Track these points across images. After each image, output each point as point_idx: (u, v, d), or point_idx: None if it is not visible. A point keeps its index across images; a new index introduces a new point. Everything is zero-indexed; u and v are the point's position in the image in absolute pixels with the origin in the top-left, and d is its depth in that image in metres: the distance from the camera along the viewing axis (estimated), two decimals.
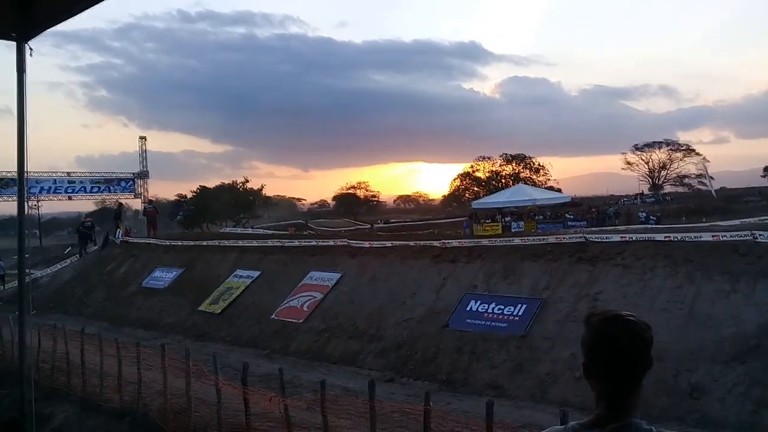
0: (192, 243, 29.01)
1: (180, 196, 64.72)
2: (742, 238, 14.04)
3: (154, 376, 13.71)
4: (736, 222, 20.52)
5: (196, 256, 26.83)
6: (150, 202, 41.31)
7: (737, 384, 11.18)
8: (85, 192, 42.14)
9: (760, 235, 13.74)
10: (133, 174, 42.92)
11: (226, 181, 61.23)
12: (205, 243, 28.32)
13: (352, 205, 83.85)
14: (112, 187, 42.62)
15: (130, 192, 43.13)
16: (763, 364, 11.11)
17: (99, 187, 42.50)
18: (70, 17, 4.86)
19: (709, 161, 73.48)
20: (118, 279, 28.67)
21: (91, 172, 43.24)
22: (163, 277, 26.45)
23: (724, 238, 14.24)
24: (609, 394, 1.83)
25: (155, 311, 24.21)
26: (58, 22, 5.00)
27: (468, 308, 16.14)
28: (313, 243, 23.90)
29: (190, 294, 23.94)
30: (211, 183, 64.64)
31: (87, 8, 4.59)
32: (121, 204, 40.49)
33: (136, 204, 46.56)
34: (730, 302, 12.61)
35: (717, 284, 13.11)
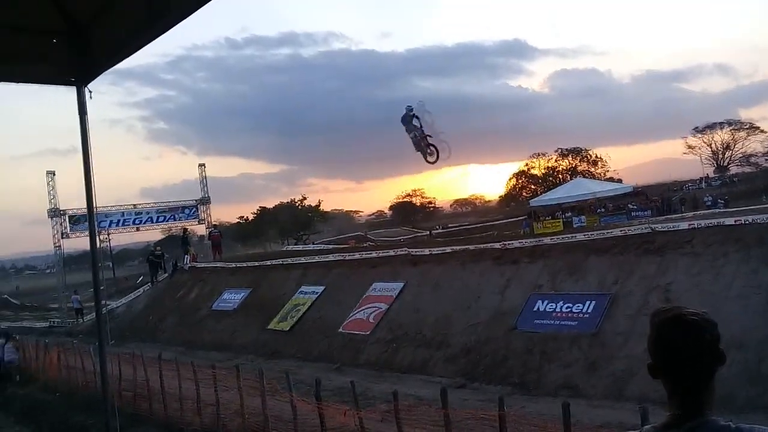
0: (257, 264, 29.61)
1: (241, 217, 66.33)
2: None
3: (231, 397, 14.00)
4: None
5: (262, 276, 27.38)
6: (215, 226, 42.41)
7: None
8: (152, 222, 43.56)
9: None
10: (196, 201, 44.15)
11: (284, 200, 62.41)
12: (269, 262, 28.87)
13: (409, 213, 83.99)
14: (176, 215, 43.91)
15: (194, 218, 44.36)
16: None
17: (164, 216, 43.85)
18: (124, 59, 5.11)
19: None
20: (189, 304, 29.51)
21: (156, 203, 44.73)
22: (231, 299, 27.09)
23: None
24: (679, 393, 1.82)
25: (227, 333, 24.81)
26: (114, 64, 5.26)
27: (535, 308, 15.93)
28: (374, 254, 24.06)
29: (258, 313, 24.44)
30: (270, 203, 66.25)
31: (139, 49, 4.82)
32: (185, 230, 41.72)
33: (201, 230, 47.85)
34: None
35: None
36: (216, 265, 32.64)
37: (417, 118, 18.91)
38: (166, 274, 34.72)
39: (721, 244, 14.19)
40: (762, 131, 70.67)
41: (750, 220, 14.34)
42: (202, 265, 33.90)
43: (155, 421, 15.91)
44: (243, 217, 66.09)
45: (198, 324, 26.97)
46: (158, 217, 43.42)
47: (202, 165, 45.30)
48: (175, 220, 44.25)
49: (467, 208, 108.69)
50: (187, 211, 43.76)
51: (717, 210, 26.53)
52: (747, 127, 71.76)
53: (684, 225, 15.72)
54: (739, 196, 42.87)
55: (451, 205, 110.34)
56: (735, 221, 14.66)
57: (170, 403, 15.82)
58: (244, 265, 30.33)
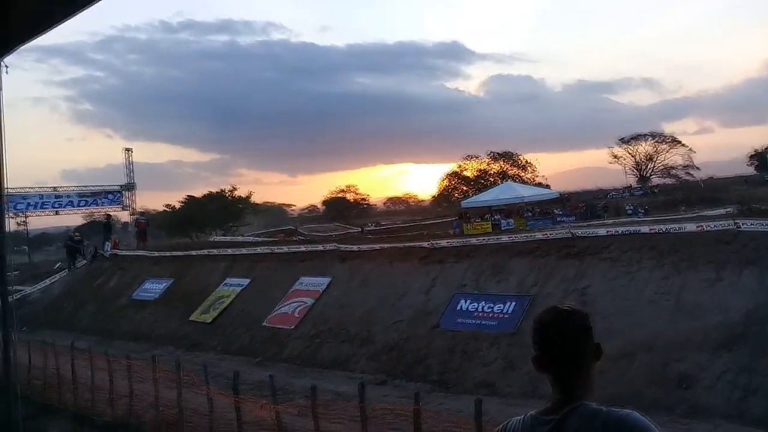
0: (181, 253, 28.92)
1: (167, 206, 64.48)
2: (725, 228, 14.17)
3: (146, 389, 13.66)
4: (721, 211, 20.68)
5: (186, 267, 26.74)
6: (142, 214, 41.14)
7: (725, 372, 11.28)
8: (73, 206, 41.90)
9: (743, 223, 13.87)
10: (120, 186, 42.73)
11: (214, 190, 60.92)
12: (194, 253, 28.23)
13: (342, 209, 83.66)
14: (99, 200, 42.39)
15: (118, 204, 42.93)
16: (750, 351, 11.22)
17: (86, 201, 42.26)
18: (45, 32, 4.85)
19: (695, 151, 73.86)
20: (108, 292, 28.51)
21: (77, 186, 43.05)
22: (153, 288, 26.34)
23: (708, 228, 14.36)
24: (558, 381, 1.95)
25: (146, 323, 24.11)
26: (33, 37, 4.99)
27: (458, 308, 16.20)
28: (303, 248, 23.89)
29: (180, 304, 23.86)
30: (199, 192, 64.14)
31: (61, 21, 4.59)
32: (108, 216, 40.31)
33: (125, 216, 46.37)
34: (715, 291, 12.73)
35: (702, 274, 13.23)
36: (138, 253, 31.66)
37: None
38: (85, 261, 33.43)
39: (637, 251, 14.81)
40: (683, 145, 73.97)
41: (664, 229, 15.03)
42: (124, 252, 32.82)
43: (65, 411, 15.36)
44: (170, 205, 64.16)
45: (117, 313, 26.08)
46: (80, 201, 41.84)
47: (128, 149, 43.96)
48: (97, 205, 42.72)
49: (400, 206, 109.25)
50: (110, 196, 42.33)
51: (636, 218, 27.62)
52: (669, 140, 74.88)
53: (603, 231, 16.33)
54: (659, 207, 44.72)
55: (384, 203, 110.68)
56: (650, 230, 15.32)
57: (82, 394, 15.31)
58: (168, 254, 29.56)
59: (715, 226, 14.45)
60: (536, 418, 1.97)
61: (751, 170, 72.72)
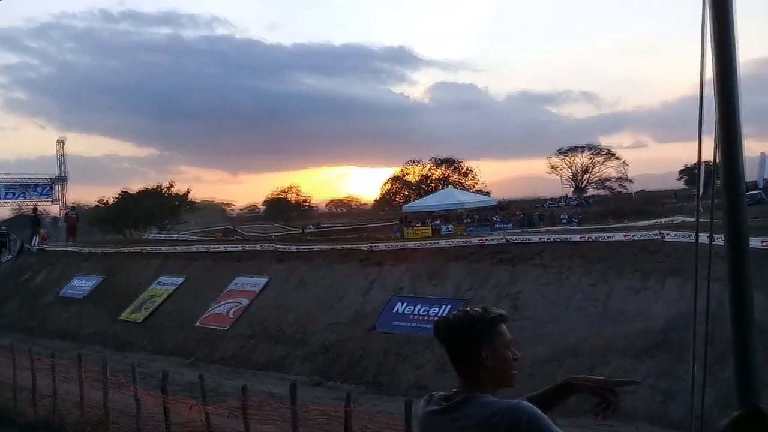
0: (113, 250, 28.08)
1: (101, 200, 62.48)
2: (651, 238, 14.78)
3: (71, 388, 13.20)
4: (649, 222, 21.54)
5: (118, 264, 25.99)
6: (72, 208, 39.77)
7: (647, 376, 11.74)
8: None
9: (668, 234, 14.49)
10: (51, 178, 41.22)
11: (150, 186, 59.33)
12: (126, 249, 27.48)
13: (283, 209, 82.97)
14: (28, 193, 40.78)
15: (48, 197, 41.43)
16: (670, 357, 11.71)
17: (14, 193, 40.58)
18: None
19: (629, 164, 76.57)
20: (34, 288, 27.41)
21: (5, 177, 41.21)
22: (82, 285, 25.48)
23: (635, 238, 14.95)
24: (458, 374, 2.13)
25: (73, 321, 23.30)
26: None
27: (394, 310, 16.32)
28: (240, 248, 23.59)
29: (110, 303, 23.17)
30: (135, 187, 62.39)
31: None
32: (35, 209, 38.77)
33: (55, 210, 44.73)
34: (640, 299, 13.25)
35: (628, 282, 13.75)
36: (68, 248, 30.57)
37: None
38: (11, 255, 32.04)
39: (567, 258, 15.27)
40: (617, 158, 76.61)
41: (594, 238, 15.54)
42: (53, 247, 31.63)
43: None
44: (103, 200, 62.16)
45: (43, 310, 25.11)
46: (7, 193, 40.18)
47: (60, 141, 42.53)
48: (26, 197, 41.13)
49: (342, 209, 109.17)
50: (40, 189, 40.80)
51: (569, 227, 28.46)
52: (605, 152, 77.35)
53: (536, 238, 16.77)
54: (593, 217, 46.14)
55: (326, 205, 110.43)
56: (580, 237, 15.83)
57: (2, 393, 14.66)
58: (99, 250, 28.63)
59: (642, 236, 15.04)
60: (435, 399, 2.15)
61: (681, 184, 75.94)
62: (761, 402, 1.73)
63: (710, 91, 1.78)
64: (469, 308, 2.16)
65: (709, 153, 1.83)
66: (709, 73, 1.76)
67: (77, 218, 36.58)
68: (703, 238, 2.11)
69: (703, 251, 2.08)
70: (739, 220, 1.75)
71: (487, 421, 1.94)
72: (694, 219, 2.53)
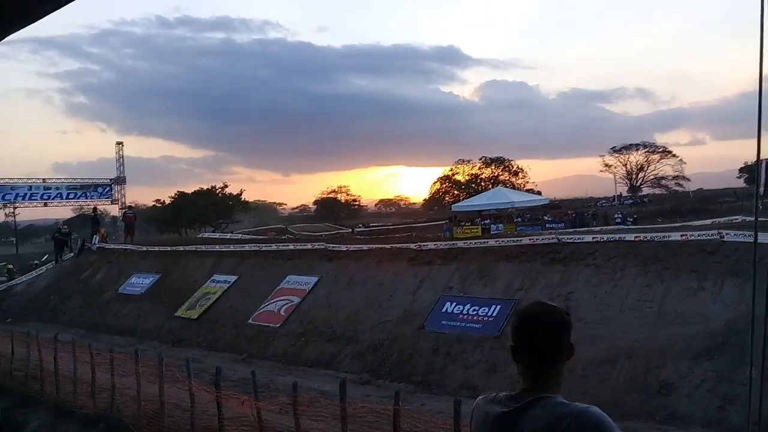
0: (169, 248, 28.84)
1: (158, 201, 64.28)
2: (709, 238, 14.32)
3: (129, 383, 13.61)
4: (707, 222, 20.86)
5: (173, 262, 26.68)
6: (129, 207, 40.98)
7: (704, 380, 11.39)
8: (62, 198, 41.62)
9: (726, 234, 14.01)
10: (110, 180, 42.53)
11: (205, 186, 60.73)
12: (182, 248, 28.17)
13: (333, 209, 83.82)
14: (88, 194, 42.14)
15: (108, 198, 42.73)
16: (729, 360, 11.32)
17: (75, 194, 41.99)
18: (35, 21, 4.86)
19: (686, 163, 74.34)
20: (94, 286, 28.40)
21: (67, 178, 42.80)
22: (139, 283, 26.27)
23: (692, 238, 14.51)
24: (528, 372, 2.06)
25: (132, 318, 24.04)
26: (22, 27, 5.00)
27: (443, 310, 16.26)
28: (291, 247, 23.90)
29: (167, 300, 23.81)
30: (191, 188, 64.22)
31: (52, 11, 4.60)
32: (95, 209, 40.10)
33: (114, 210, 46.10)
34: (697, 300, 12.85)
35: (685, 282, 13.36)
36: (126, 247, 31.56)
37: None
38: (72, 254, 33.27)
39: (621, 258, 14.93)
40: (674, 156, 74.51)
41: (649, 237, 15.15)
42: (112, 246, 32.72)
43: (46, 403, 15.31)
44: (160, 200, 63.96)
45: (102, 307, 26.00)
46: (69, 194, 41.56)
47: (120, 143, 43.77)
48: (87, 198, 42.47)
49: (392, 208, 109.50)
50: (100, 189, 42.11)
51: (623, 226, 27.81)
52: (661, 150, 75.36)
53: (588, 238, 16.44)
54: (648, 216, 44.99)
55: (376, 205, 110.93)
56: (635, 237, 15.45)
57: (64, 386, 15.23)
58: (156, 249, 29.46)
59: (699, 235, 14.59)
60: (499, 400, 2.08)
61: (741, 183, 73.28)
62: None
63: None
64: (544, 300, 2.14)
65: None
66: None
67: (135, 217, 37.71)
68: (764, 237, 2.04)
69: (763, 251, 2.01)
70: None
71: (556, 424, 1.91)
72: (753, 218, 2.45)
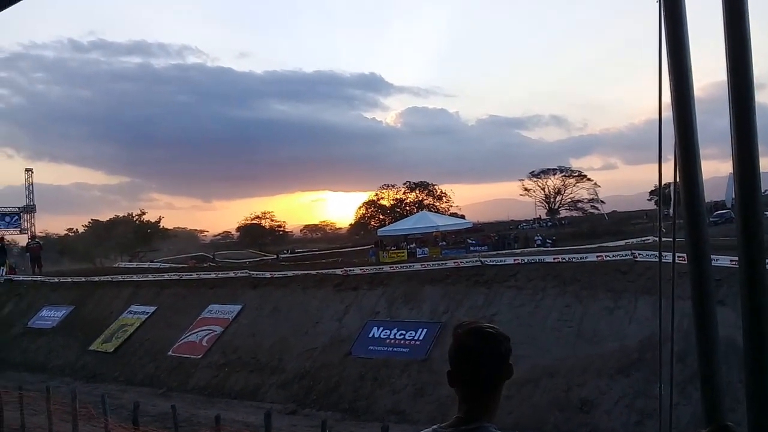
0: (83, 279, 27.55)
1: (70, 229, 61.55)
2: (623, 258, 14.95)
3: (40, 422, 12.89)
4: (621, 243, 21.80)
5: (88, 293, 25.49)
6: (33, 238, 38.99)
7: (623, 396, 11.81)
8: None
9: (639, 254, 14.66)
10: (19, 208, 40.49)
11: (121, 214, 58.70)
12: (96, 279, 26.98)
13: (257, 235, 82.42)
14: None
15: (16, 227, 40.64)
16: (645, 376, 11.78)
17: None
18: None
19: (600, 186, 77.69)
20: (1, 320, 26.73)
21: None
22: (51, 316, 24.93)
23: (608, 259, 15.10)
24: (466, 400, 1.97)
25: (42, 353, 22.76)
26: None
27: (370, 335, 16.22)
28: (213, 275, 23.32)
29: (80, 333, 22.68)
30: (105, 216, 61.75)
31: None
32: (2, 239, 37.93)
33: (23, 240, 43.79)
34: (614, 318, 13.36)
35: (602, 302, 13.86)
36: (36, 278, 29.94)
37: None
38: None
39: (542, 279, 15.36)
40: (589, 179, 77.79)
41: (567, 259, 15.67)
42: (21, 278, 30.96)
43: None
44: (72, 229, 61.30)
45: (10, 342, 24.47)
46: None
47: (29, 170, 41.88)
48: None
49: (317, 234, 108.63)
50: (7, 218, 40.03)
51: (543, 248, 28.70)
52: (576, 174, 78.51)
53: (510, 260, 16.85)
54: (566, 238, 46.59)
55: (301, 230, 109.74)
56: (554, 259, 15.95)
57: None
58: (69, 280, 28.07)
59: (614, 256, 15.20)
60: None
61: (652, 205, 77.16)
62: (728, 419, 1.74)
63: (670, 113, 1.81)
64: (483, 326, 2.02)
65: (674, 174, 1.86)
66: (668, 96, 1.79)
67: (40, 247, 35.80)
68: (670, 257, 2.14)
69: (670, 270, 2.11)
70: (700, 239, 1.77)
71: None
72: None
